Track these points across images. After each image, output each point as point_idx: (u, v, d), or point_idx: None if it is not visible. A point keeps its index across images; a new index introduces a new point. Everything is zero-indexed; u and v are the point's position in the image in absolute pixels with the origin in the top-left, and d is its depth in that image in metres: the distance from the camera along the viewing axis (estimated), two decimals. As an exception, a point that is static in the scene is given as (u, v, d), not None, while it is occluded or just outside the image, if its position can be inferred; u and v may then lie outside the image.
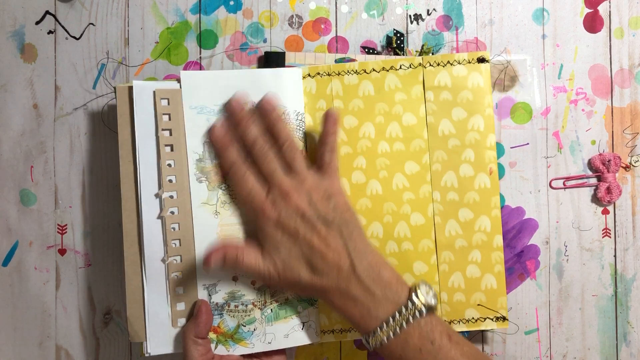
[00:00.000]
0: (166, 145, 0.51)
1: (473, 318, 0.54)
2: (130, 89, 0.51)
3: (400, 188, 0.54)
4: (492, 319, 0.54)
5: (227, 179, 0.51)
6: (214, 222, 0.51)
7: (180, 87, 0.51)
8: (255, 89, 0.52)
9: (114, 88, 0.53)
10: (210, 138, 0.51)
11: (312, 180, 0.49)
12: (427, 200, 0.54)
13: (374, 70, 0.54)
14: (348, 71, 0.54)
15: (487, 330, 0.57)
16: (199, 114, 0.51)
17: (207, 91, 0.51)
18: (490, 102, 0.53)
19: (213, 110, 0.51)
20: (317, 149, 0.51)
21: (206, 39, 0.57)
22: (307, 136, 0.53)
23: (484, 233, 0.54)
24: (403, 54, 0.57)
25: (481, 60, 0.54)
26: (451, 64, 0.54)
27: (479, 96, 0.54)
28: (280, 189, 0.49)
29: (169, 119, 0.51)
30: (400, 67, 0.54)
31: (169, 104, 0.51)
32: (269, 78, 0.52)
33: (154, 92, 0.51)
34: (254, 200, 0.49)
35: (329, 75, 0.54)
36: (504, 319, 0.53)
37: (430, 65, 0.54)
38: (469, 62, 0.54)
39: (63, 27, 0.57)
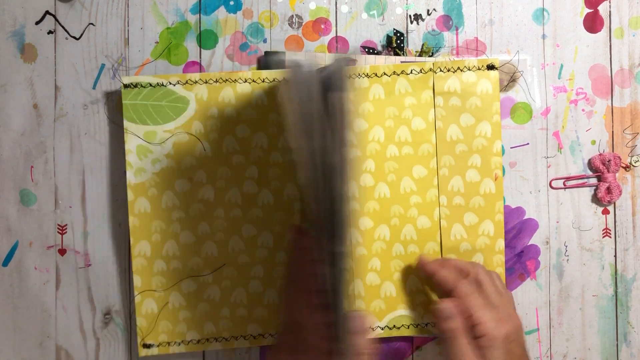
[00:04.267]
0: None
1: None
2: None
3: (408, 192, 0.54)
4: None
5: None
6: None
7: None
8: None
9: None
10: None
11: None
12: (433, 204, 0.54)
13: (384, 74, 0.54)
14: (359, 74, 0.54)
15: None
16: None
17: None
18: (497, 109, 0.54)
19: None
20: None
21: (206, 39, 0.57)
22: None
23: (487, 237, 0.55)
24: (403, 54, 0.57)
25: (490, 67, 0.54)
26: (461, 70, 0.54)
27: (487, 103, 0.54)
28: None
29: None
30: (411, 72, 0.54)
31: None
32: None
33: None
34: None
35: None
36: None
37: (440, 70, 0.54)
38: (479, 69, 0.54)
39: (63, 27, 0.57)
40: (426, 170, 0.54)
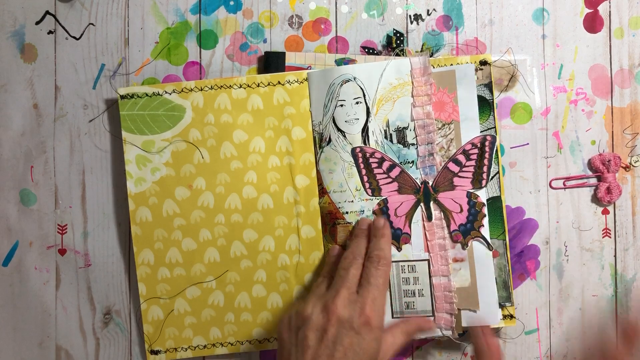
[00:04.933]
0: None
1: None
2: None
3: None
4: None
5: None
6: None
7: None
8: None
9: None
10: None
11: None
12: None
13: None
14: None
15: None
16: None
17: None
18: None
19: None
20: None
21: (206, 39, 0.57)
22: None
23: None
24: (403, 54, 0.57)
25: (483, 63, 0.54)
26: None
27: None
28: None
29: None
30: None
31: None
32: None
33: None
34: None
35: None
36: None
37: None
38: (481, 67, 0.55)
39: (63, 27, 0.57)
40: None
